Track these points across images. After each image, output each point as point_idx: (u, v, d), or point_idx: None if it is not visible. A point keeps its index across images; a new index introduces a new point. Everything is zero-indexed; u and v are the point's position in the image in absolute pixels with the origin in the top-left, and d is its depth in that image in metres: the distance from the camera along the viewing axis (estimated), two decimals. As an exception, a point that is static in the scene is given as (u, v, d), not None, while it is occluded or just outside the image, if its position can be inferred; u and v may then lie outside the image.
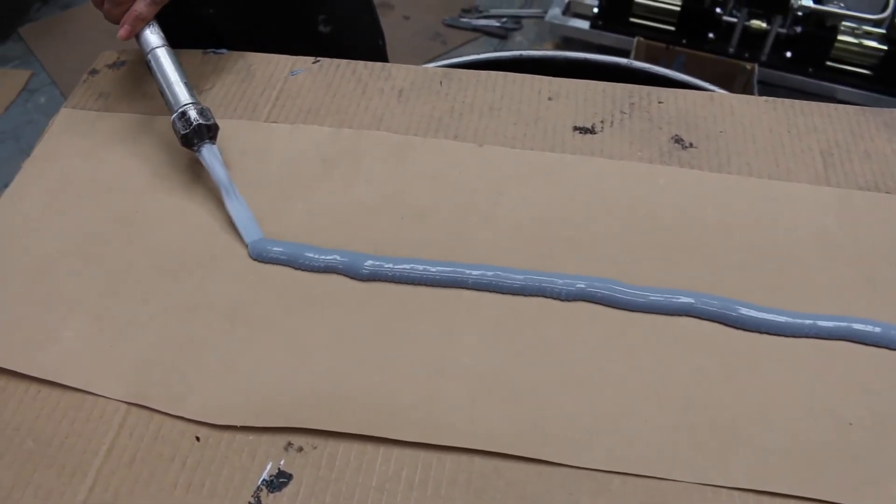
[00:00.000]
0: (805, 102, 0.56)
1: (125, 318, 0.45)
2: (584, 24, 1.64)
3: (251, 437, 0.39)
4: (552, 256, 0.47)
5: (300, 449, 0.39)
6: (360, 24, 0.75)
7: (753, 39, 1.52)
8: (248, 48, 0.61)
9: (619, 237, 0.48)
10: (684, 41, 1.53)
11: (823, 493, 0.37)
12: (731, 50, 1.52)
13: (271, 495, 0.37)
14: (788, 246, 0.48)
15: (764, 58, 1.51)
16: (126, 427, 0.40)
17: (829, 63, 1.49)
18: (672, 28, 1.55)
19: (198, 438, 0.39)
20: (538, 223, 0.49)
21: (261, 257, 0.47)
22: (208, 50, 0.61)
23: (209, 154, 0.50)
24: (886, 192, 0.50)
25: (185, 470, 0.38)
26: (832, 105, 0.56)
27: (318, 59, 0.59)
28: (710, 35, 1.54)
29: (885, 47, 1.44)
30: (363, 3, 0.75)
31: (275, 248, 0.47)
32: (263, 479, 0.38)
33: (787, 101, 0.56)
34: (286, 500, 0.37)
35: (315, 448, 0.39)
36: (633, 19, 1.59)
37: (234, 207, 0.48)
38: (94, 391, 0.41)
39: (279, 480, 0.38)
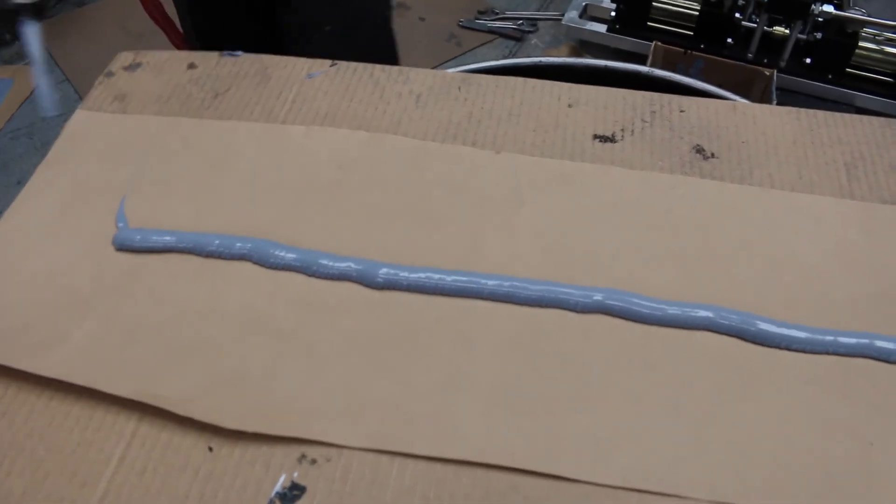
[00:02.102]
0: (829, 113, 0.55)
1: (138, 320, 0.44)
2: (602, 28, 1.63)
3: (264, 448, 0.39)
4: (570, 267, 0.46)
5: (314, 461, 0.38)
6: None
7: (773, 45, 1.50)
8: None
9: (638, 249, 0.47)
10: (702, 46, 1.51)
11: None
12: (750, 55, 1.51)
13: (284, 508, 0.37)
14: (810, 259, 0.47)
15: (783, 64, 1.49)
16: (138, 436, 0.39)
17: (849, 70, 1.48)
18: (690, 33, 1.54)
19: (210, 449, 0.39)
20: (556, 233, 0.48)
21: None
22: (224, 52, 0.60)
23: (28, 30, 0.55)
24: None
25: (197, 480, 0.38)
26: (857, 116, 0.55)
27: (336, 62, 0.59)
28: (729, 40, 1.52)
29: (906, 54, 1.43)
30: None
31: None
32: (277, 492, 0.37)
33: (810, 111, 0.55)
34: (299, 514, 0.37)
35: (329, 461, 0.38)
36: (650, 24, 1.58)
37: (39, 79, 0.54)
38: (103, 389, 0.41)
39: (292, 493, 0.37)
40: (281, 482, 0.37)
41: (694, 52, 1.42)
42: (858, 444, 0.39)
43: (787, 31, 1.48)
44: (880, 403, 0.41)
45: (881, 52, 1.44)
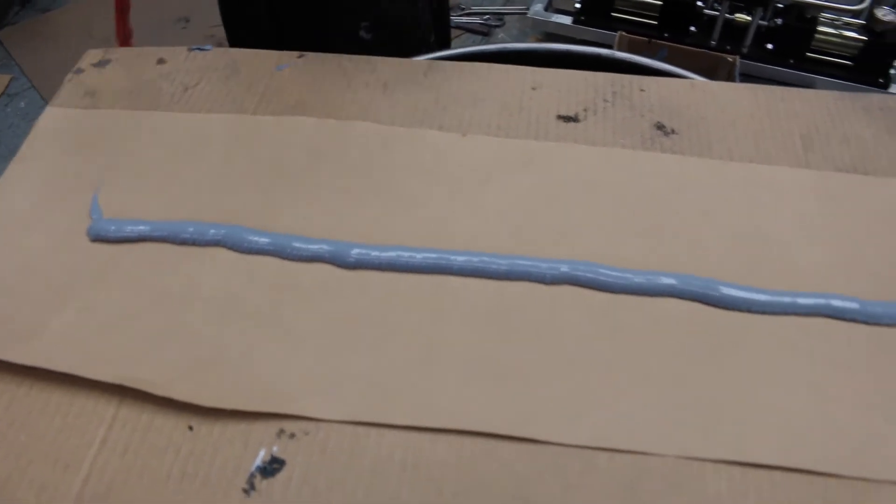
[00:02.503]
0: (785, 88, 0.57)
1: (115, 308, 0.45)
2: (567, 20, 1.65)
3: (243, 425, 0.40)
4: (537, 242, 0.48)
5: (292, 435, 0.39)
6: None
7: (735, 32, 1.53)
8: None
9: (602, 222, 0.49)
10: (666, 35, 1.54)
11: (804, 463, 0.38)
12: (713, 43, 1.53)
13: (265, 481, 0.38)
14: (769, 228, 0.48)
15: (745, 50, 1.52)
16: (119, 419, 0.40)
17: (809, 54, 1.51)
18: (654, 22, 1.56)
19: (190, 428, 0.40)
20: (522, 210, 0.49)
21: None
22: (193, 47, 0.61)
23: None
24: (864, 175, 0.51)
25: (178, 459, 0.39)
26: (812, 91, 0.57)
27: (304, 53, 0.60)
28: (692, 28, 1.55)
29: (864, 38, 1.46)
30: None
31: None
32: (257, 466, 0.38)
33: (767, 87, 0.57)
34: (280, 486, 0.37)
35: (307, 434, 0.39)
36: (615, 14, 1.60)
37: None
38: (84, 375, 0.41)
39: (272, 466, 0.38)
40: (261, 457, 0.38)
41: (658, 41, 1.44)
42: (818, 398, 0.41)
43: (749, 18, 1.50)
44: (837, 359, 0.43)
45: (839, 35, 1.47)
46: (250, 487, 0.37)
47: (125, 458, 0.39)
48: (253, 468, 0.38)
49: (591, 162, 0.52)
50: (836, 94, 0.57)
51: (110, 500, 0.37)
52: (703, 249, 0.47)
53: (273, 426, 0.39)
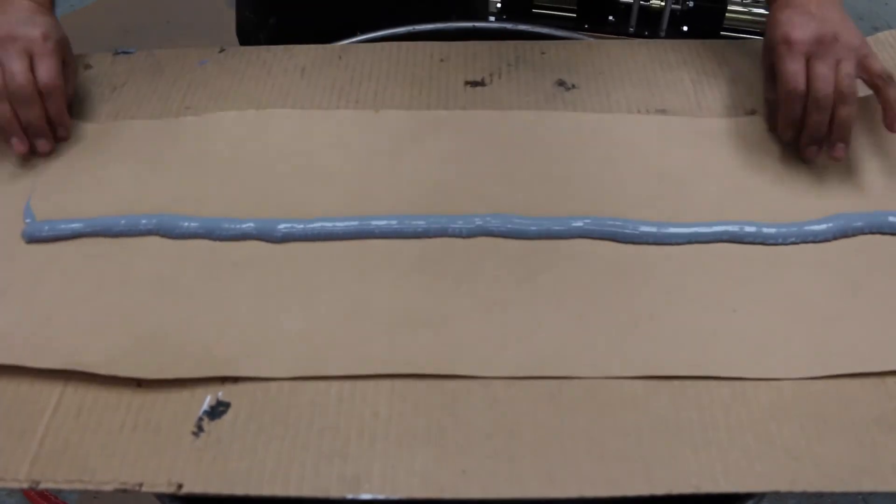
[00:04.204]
0: (675, 41, 0.62)
1: (54, 300, 0.47)
2: (490, 20, 1.69)
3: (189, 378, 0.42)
4: (451, 201, 0.51)
5: (236, 381, 0.42)
6: None
7: (651, 17, 1.59)
8: None
9: (513, 178, 0.52)
10: (586, 26, 1.59)
11: (714, 371, 0.42)
12: (632, 29, 1.59)
13: (212, 423, 0.40)
14: (667, 169, 0.52)
15: (663, 34, 1.58)
16: (70, 385, 0.42)
17: (723, 33, 1.57)
18: (574, 15, 1.62)
19: (139, 384, 0.42)
20: (437, 174, 0.53)
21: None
22: (119, 49, 0.63)
23: None
24: (748, 115, 0.56)
25: (130, 413, 0.41)
26: (701, 41, 0.62)
27: (224, 48, 0.63)
28: (611, 18, 1.61)
29: (771, 12, 1.53)
30: None
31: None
32: (204, 410, 0.41)
33: (659, 41, 0.62)
34: (227, 425, 0.40)
35: (250, 379, 0.42)
36: (535, 10, 1.65)
37: None
38: (29, 365, 0.43)
39: (219, 409, 0.41)
40: (207, 401, 0.41)
41: (578, 33, 1.49)
42: (723, 312, 0.45)
43: (663, 3, 1.57)
44: (739, 276, 0.47)
45: (749, 13, 1.55)
46: (199, 430, 0.40)
47: (79, 419, 0.41)
48: (200, 412, 0.41)
49: (498, 123, 0.55)
50: (723, 42, 0.61)
51: (67, 455, 0.39)
52: (609, 193, 0.51)
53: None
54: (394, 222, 0.49)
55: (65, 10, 1.79)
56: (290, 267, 0.48)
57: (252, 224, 0.50)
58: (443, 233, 0.49)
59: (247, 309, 0.46)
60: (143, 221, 0.50)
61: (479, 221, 0.49)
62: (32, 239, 0.50)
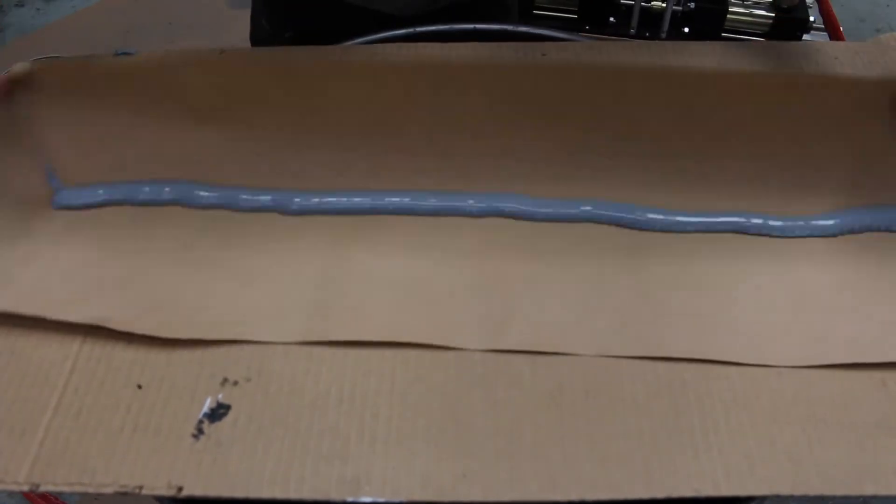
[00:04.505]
0: (675, 43, 0.61)
1: (78, 262, 0.48)
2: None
3: (190, 379, 0.42)
4: (464, 179, 0.51)
5: (236, 383, 0.42)
6: None
7: (652, 19, 1.59)
8: None
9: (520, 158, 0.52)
10: (587, 27, 1.59)
11: (712, 355, 0.43)
12: (633, 31, 1.59)
13: (212, 425, 0.40)
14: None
15: (664, 35, 1.58)
16: (70, 386, 0.43)
17: (724, 34, 1.57)
18: (575, 16, 1.62)
19: (139, 386, 0.42)
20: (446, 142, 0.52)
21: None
22: (119, 52, 0.63)
23: None
24: None
25: (130, 415, 0.41)
26: (701, 42, 0.61)
27: (225, 49, 0.63)
28: (612, 19, 1.61)
29: (772, 14, 1.53)
30: None
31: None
32: (204, 413, 0.41)
33: (660, 43, 0.61)
34: (227, 427, 0.40)
35: (249, 381, 0.42)
36: (536, 12, 1.65)
37: None
38: (52, 317, 0.44)
39: (219, 412, 0.41)
40: (207, 404, 0.41)
41: (579, 35, 1.49)
42: (726, 300, 0.46)
43: (664, 5, 1.57)
44: (743, 267, 0.48)
45: (750, 14, 1.54)
46: (199, 432, 0.40)
47: (79, 420, 0.41)
48: (200, 415, 0.41)
49: None
50: (724, 44, 0.61)
51: (67, 456, 0.40)
52: (619, 179, 0.51)
53: (217, 375, 0.42)
54: (406, 199, 0.51)
55: (66, 11, 1.80)
56: (304, 239, 0.50)
57: (269, 196, 0.51)
58: (454, 212, 0.50)
59: (260, 278, 0.47)
60: (167, 189, 0.52)
61: (490, 202, 0.50)
62: (59, 206, 0.51)
